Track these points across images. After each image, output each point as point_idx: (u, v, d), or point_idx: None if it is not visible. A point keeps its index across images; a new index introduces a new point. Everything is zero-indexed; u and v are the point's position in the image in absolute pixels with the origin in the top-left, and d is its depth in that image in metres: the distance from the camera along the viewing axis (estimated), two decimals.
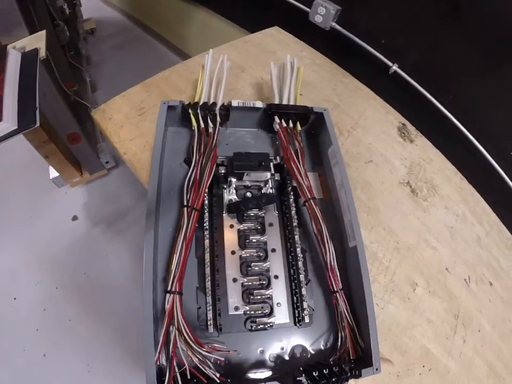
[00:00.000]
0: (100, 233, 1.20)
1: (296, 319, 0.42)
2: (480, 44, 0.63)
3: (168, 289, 0.37)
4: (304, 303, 0.42)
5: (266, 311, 0.42)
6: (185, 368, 0.32)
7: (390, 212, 0.58)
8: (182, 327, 0.34)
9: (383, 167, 0.64)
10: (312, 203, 0.45)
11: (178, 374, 0.33)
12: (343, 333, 0.39)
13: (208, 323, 0.38)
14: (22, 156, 1.25)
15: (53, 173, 1.13)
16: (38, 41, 0.67)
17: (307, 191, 0.46)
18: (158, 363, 0.33)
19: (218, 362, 0.35)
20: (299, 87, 0.58)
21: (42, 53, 0.65)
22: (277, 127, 0.52)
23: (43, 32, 0.68)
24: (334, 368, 0.33)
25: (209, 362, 0.33)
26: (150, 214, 0.40)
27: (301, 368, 0.35)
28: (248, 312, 0.41)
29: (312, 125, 0.57)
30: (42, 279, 1.09)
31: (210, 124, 0.50)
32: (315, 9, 0.92)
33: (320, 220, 0.44)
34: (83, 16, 1.76)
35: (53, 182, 1.15)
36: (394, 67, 0.85)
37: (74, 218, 1.22)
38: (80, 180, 1.19)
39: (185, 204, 0.43)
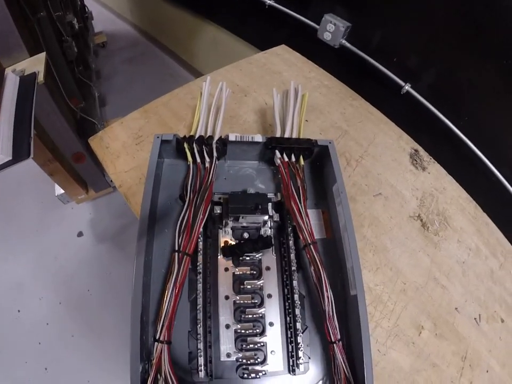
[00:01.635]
0: (104, 250, 1.19)
1: (291, 367, 0.39)
2: (500, 65, 0.58)
3: (157, 337, 0.35)
4: (299, 351, 0.39)
5: (260, 358, 0.40)
6: None
7: (399, 250, 0.54)
8: (169, 379, 0.32)
9: (393, 200, 0.59)
10: (312, 249, 0.42)
11: None
12: None
13: (199, 369, 0.37)
14: (31, 170, 1.25)
15: (59, 190, 1.13)
16: (37, 63, 0.67)
17: (307, 235, 0.43)
18: None
19: None
20: (303, 115, 0.55)
21: (41, 77, 0.64)
22: (278, 161, 0.49)
23: (43, 55, 0.67)
24: None
25: None
26: (140, 254, 0.38)
27: None
28: (240, 359, 0.39)
29: (317, 156, 0.53)
30: (46, 294, 1.10)
31: (207, 158, 0.48)
32: (324, 26, 0.89)
33: (320, 268, 0.41)
34: (94, 29, 1.78)
35: (58, 199, 1.15)
36: (407, 87, 0.81)
37: (80, 234, 1.22)
38: (86, 197, 1.19)
39: (176, 248, 0.40)
